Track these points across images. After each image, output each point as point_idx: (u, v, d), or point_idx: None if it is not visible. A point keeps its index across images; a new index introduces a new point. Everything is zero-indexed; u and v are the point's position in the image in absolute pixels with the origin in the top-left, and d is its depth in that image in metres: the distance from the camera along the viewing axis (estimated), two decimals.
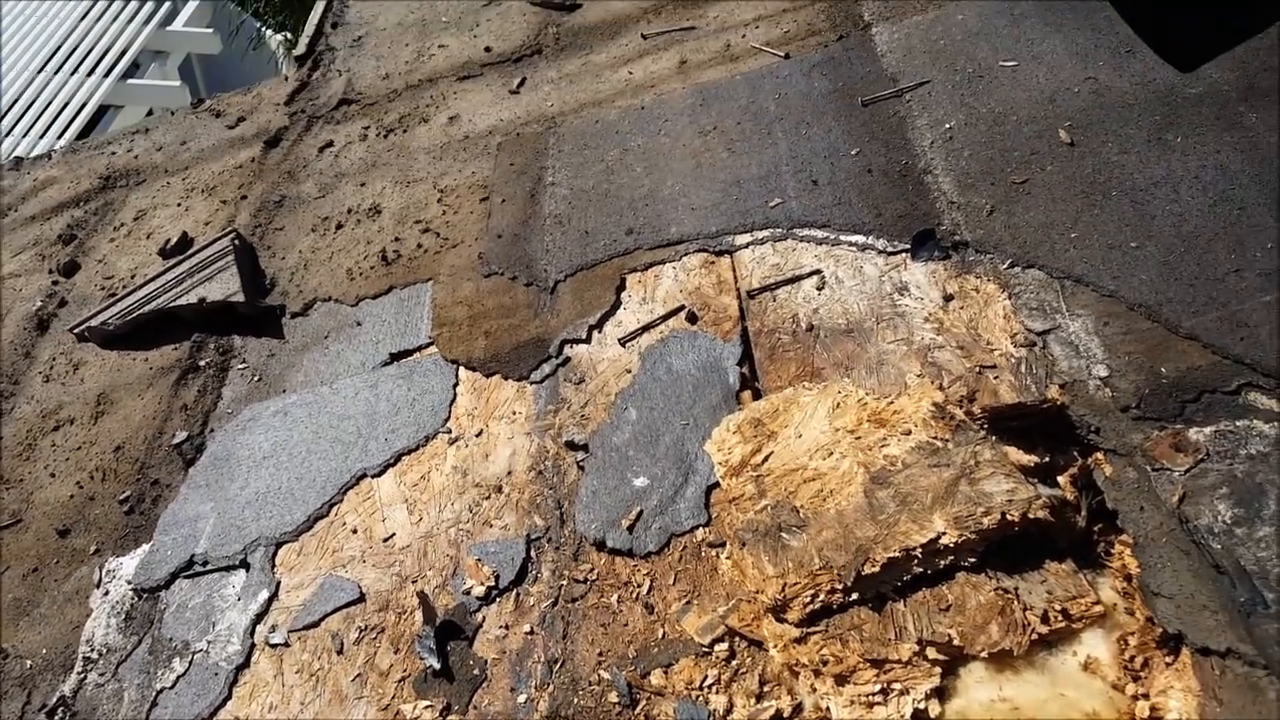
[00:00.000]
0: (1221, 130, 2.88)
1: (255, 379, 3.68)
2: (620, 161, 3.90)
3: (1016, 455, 2.37)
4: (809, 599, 2.22)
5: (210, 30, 9.71)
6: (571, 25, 5.12)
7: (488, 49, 5.18)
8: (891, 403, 2.56)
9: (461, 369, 3.34)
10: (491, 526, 2.84)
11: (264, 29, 10.30)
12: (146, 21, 9.39)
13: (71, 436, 3.79)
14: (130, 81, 9.06)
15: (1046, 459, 2.39)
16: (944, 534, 2.20)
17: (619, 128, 4.10)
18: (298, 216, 4.45)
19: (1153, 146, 2.92)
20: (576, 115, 4.34)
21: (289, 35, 10.23)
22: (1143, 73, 3.17)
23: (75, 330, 4.21)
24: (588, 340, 3.24)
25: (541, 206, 3.86)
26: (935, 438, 2.41)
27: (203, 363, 3.85)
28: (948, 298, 2.83)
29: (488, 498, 2.93)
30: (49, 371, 4.14)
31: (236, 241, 4.20)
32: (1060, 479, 2.37)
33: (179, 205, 4.95)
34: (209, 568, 3.09)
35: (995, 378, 2.58)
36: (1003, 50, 3.53)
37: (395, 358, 3.51)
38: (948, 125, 3.35)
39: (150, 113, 9.32)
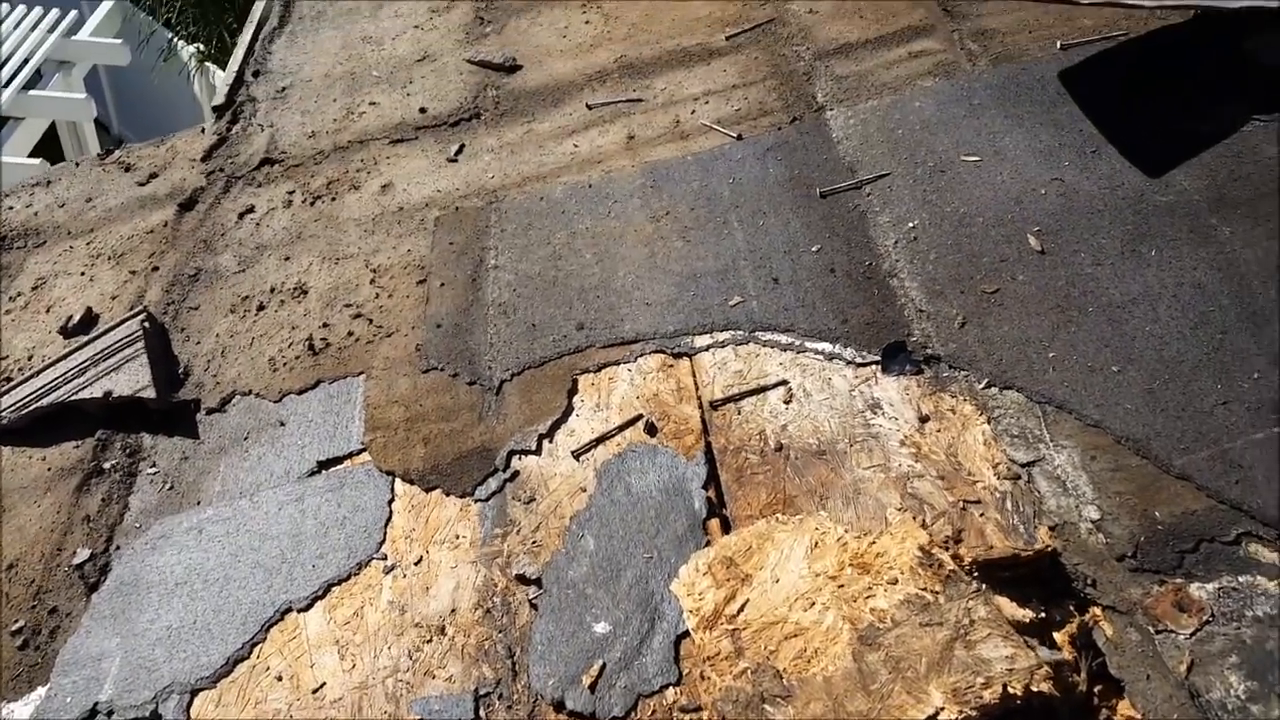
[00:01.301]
0: (1196, 245, 2.75)
1: (166, 487, 3.24)
2: (568, 246, 3.61)
3: (1010, 609, 2.15)
4: None
5: (119, 40, 9.01)
6: (511, 88, 4.81)
7: (423, 109, 4.83)
8: (874, 542, 2.32)
9: (398, 481, 2.99)
10: (434, 677, 2.49)
11: (175, 40, 9.64)
12: (51, 30, 8.69)
13: None
14: (32, 93, 8.36)
15: (1042, 613, 2.17)
16: (942, 709, 1.96)
17: (565, 207, 3.81)
18: (215, 294, 4.02)
19: (1127, 259, 2.77)
20: (520, 190, 4.03)
21: (201, 47, 9.62)
22: (1110, 175, 3.04)
23: None
24: (538, 452, 2.92)
25: (484, 293, 3.54)
26: (925, 589, 2.18)
27: (108, 465, 3.39)
28: (923, 418, 2.62)
29: (429, 641, 2.58)
30: None
31: (146, 324, 3.75)
32: (1058, 636, 2.16)
33: (83, 274, 4.44)
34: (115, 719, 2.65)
35: (980, 514, 2.37)
36: (963, 144, 3.37)
37: (323, 466, 3.13)
38: (911, 224, 3.16)
39: (53, 126, 8.63)
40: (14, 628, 2.97)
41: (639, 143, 4.06)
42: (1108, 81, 3.40)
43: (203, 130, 5.35)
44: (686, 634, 2.36)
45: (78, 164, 5.41)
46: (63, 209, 4.99)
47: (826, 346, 2.89)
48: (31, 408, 3.57)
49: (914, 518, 2.39)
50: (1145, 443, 2.35)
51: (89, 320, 4.09)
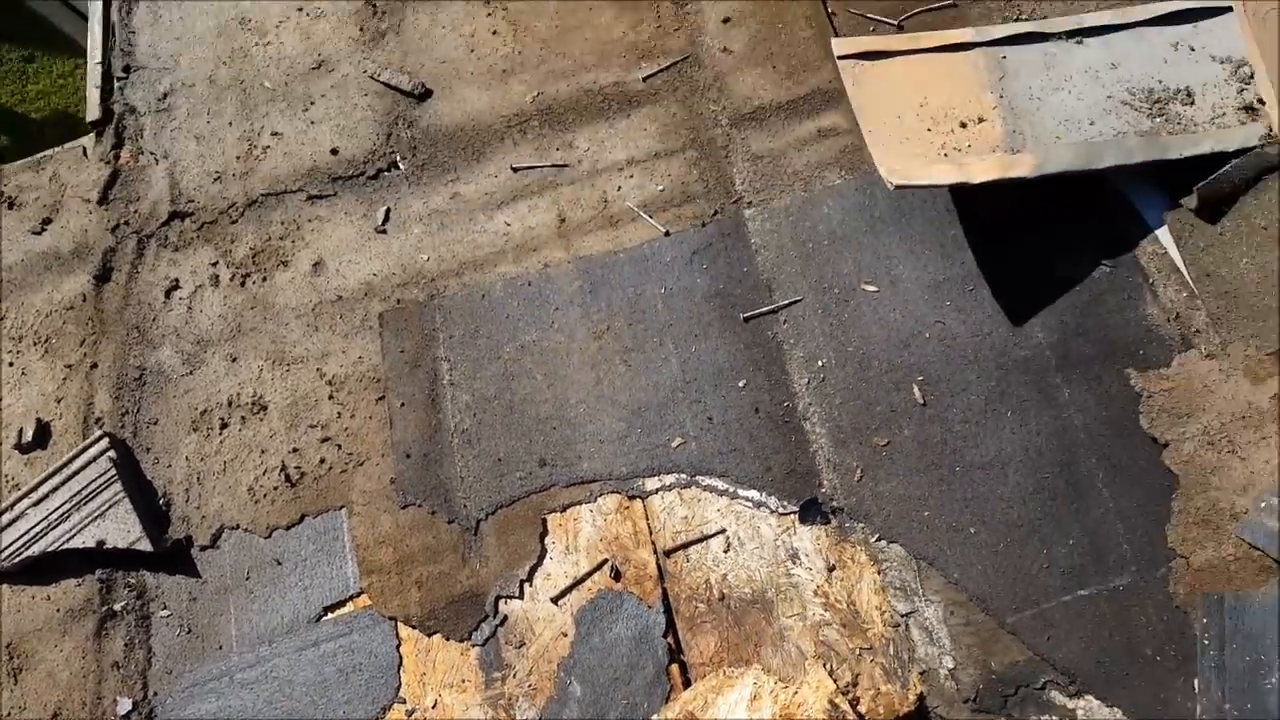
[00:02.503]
0: (1041, 407, 3.81)
1: (184, 630, 4.12)
2: (518, 363, 4.39)
3: None
4: None
5: None
6: (426, 125, 5.20)
7: (334, 150, 5.21)
8: (796, 692, 3.50)
9: (400, 626, 3.96)
10: None
11: None
12: None
13: None
14: None
15: None
16: None
17: (508, 310, 4.53)
18: (169, 403, 4.64)
19: (988, 419, 3.82)
20: (458, 279, 4.67)
21: None
22: (981, 322, 4.00)
23: None
24: (521, 596, 3.93)
25: (445, 416, 4.34)
26: None
27: (118, 607, 4.21)
28: (830, 567, 3.73)
29: None
30: None
31: (114, 455, 4.41)
32: None
33: (12, 365, 4.92)
34: None
35: (871, 660, 3.56)
36: (864, 268, 4.24)
37: (329, 609, 4.06)
38: (820, 362, 4.10)
39: None
40: None
41: (570, 227, 4.71)
42: (992, 205, 4.24)
43: (84, 152, 5.57)
44: None
45: None
46: None
47: (755, 494, 3.91)
48: (23, 555, 4.28)
49: (824, 665, 3.57)
50: (988, 601, 3.54)
51: (43, 433, 4.69)
